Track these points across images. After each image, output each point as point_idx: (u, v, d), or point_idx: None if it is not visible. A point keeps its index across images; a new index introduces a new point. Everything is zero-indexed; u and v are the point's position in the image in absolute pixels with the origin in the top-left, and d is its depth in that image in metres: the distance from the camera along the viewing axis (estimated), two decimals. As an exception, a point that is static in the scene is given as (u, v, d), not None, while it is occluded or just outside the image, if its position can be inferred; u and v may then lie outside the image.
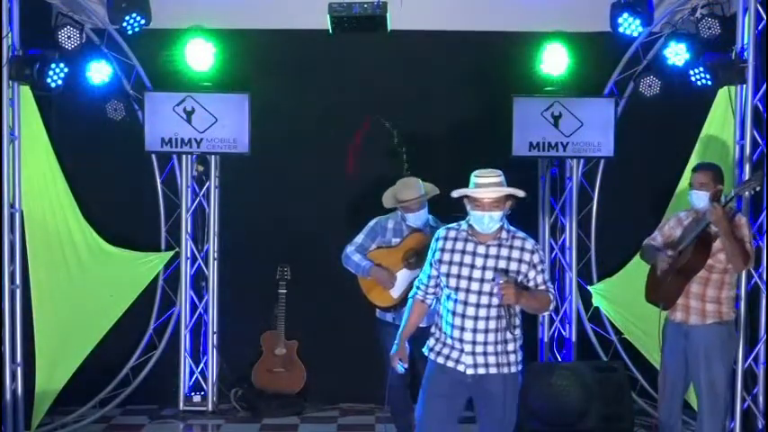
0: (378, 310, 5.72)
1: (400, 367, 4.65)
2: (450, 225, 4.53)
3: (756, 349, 6.11)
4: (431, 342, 4.52)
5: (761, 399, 6.09)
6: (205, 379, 7.20)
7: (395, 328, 5.54)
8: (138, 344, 7.08)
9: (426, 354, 4.53)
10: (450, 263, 4.38)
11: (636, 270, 6.10)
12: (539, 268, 4.38)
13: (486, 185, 4.32)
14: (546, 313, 4.40)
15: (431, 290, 4.55)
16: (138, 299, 6.94)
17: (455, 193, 4.43)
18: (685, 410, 5.59)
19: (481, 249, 4.36)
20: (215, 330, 7.21)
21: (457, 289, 4.35)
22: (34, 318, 6.26)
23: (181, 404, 7.13)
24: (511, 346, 4.38)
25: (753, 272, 6.04)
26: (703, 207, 5.14)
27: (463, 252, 4.38)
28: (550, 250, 7.20)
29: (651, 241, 5.47)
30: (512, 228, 4.44)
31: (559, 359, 7.15)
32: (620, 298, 6.82)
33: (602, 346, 7.07)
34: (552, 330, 7.22)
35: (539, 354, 7.14)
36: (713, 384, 5.13)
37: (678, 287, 5.17)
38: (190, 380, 7.20)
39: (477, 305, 4.31)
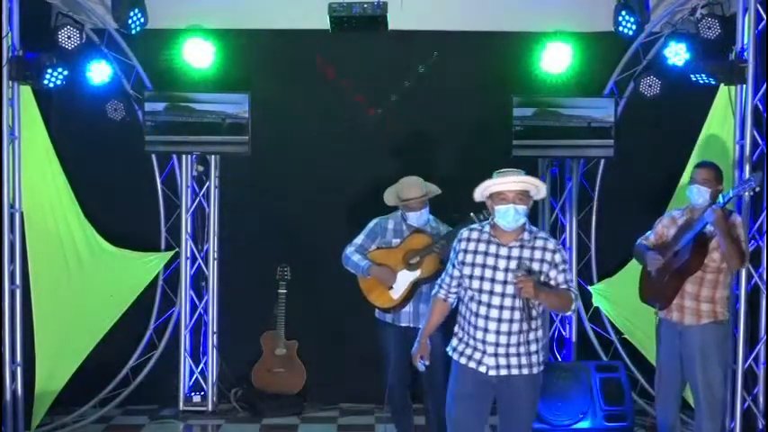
0: (377, 310, 5.71)
1: (422, 365, 4.64)
2: (472, 226, 4.52)
3: (756, 349, 6.11)
4: (454, 342, 4.51)
5: (761, 399, 6.09)
6: (205, 379, 7.20)
7: (394, 329, 5.57)
8: (138, 344, 7.07)
9: (450, 353, 4.52)
10: (473, 264, 4.37)
11: (636, 270, 6.09)
12: (560, 267, 4.36)
13: (509, 176, 4.31)
14: (568, 313, 4.37)
15: (453, 289, 4.53)
16: (138, 299, 6.94)
17: (478, 193, 4.38)
18: (684, 410, 5.59)
19: (503, 251, 4.34)
20: (215, 330, 7.21)
21: (480, 290, 4.34)
22: (34, 318, 6.26)
23: (181, 404, 7.13)
24: (533, 347, 4.36)
25: (753, 272, 6.04)
26: (701, 203, 5.17)
27: (486, 254, 4.36)
28: (550, 250, 7.19)
29: (644, 241, 5.49)
30: (533, 228, 4.43)
31: (559, 359, 7.15)
32: (620, 298, 6.81)
33: (602, 346, 7.07)
34: (552, 330, 7.22)
35: (539, 354, 7.14)
36: (710, 385, 5.15)
37: (675, 287, 5.19)
38: (190, 380, 7.20)
39: (501, 307, 4.30)
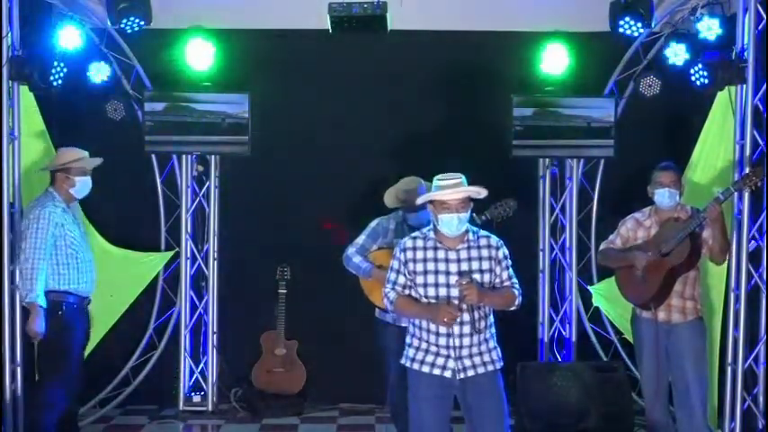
0: (377, 310, 5.71)
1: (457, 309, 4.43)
2: (414, 234, 4.55)
3: (756, 349, 6.10)
4: (410, 352, 4.53)
5: (761, 399, 6.08)
6: (205, 379, 7.20)
7: (394, 329, 5.57)
8: (138, 344, 7.08)
9: (408, 365, 4.53)
10: (425, 272, 4.42)
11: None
12: (503, 264, 4.47)
13: (451, 187, 4.38)
14: (513, 308, 4.47)
15: (406, 289, 4.49)
16: (138, 299, 6.94)
17: (420, 201, 4.53)
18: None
19: (452, 255, 4.42)
20: (215, 330, 7.21)
21: (437, 297, 4.39)
22: (34, 318, 6.24)
23: (181, 404, 7.13)
24: (492, 344, 4.48)
25: (753, 272, 6.04)
26: (672, 205, 5.29)
27: (435, 260, 4.42)
28: (550, 250, 7.20)
29: (610, 245, 5.50)
30: (474, 228, 4.53)
31: (559, 359, 7.15)
32: (620, 298, 6.79)
33: (602, 346, 7.08)
34: (552, 330, 7.23)
35: (539, 354, 7.15)
36: (702, 380, 5.26)
37: (669, 288, 5.26)
38: (190, 380, 7.20)
39: (461, 309, 4.35)
